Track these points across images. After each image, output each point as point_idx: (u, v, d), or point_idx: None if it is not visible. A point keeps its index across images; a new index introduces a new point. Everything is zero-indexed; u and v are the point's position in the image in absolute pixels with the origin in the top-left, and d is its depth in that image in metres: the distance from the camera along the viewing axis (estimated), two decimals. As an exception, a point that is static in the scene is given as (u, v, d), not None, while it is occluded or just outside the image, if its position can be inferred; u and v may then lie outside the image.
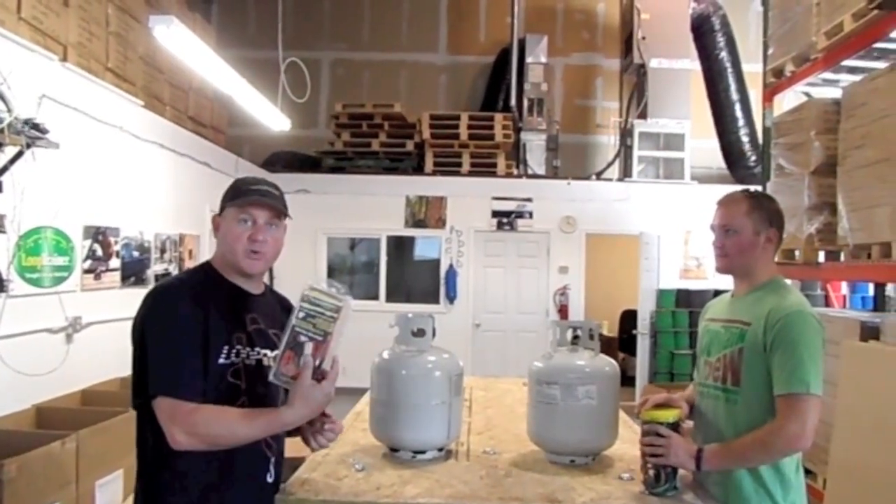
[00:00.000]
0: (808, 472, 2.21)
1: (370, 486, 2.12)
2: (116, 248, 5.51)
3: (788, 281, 2.34)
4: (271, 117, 6.60)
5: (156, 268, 6.15)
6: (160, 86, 6.88)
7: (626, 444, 2.49)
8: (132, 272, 5.75)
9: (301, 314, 1.84)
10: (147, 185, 6.14)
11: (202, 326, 1.86)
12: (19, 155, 3.89)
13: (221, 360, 1.88)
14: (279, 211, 2.02)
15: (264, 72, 7.01)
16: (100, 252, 5.27)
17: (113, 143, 5.53)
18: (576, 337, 2.53)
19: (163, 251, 6.35)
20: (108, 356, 5.02)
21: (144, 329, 1.86)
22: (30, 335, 4.47)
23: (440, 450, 2.45)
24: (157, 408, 1.80)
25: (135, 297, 1.88)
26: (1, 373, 4.12)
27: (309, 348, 1.82)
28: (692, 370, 8.10)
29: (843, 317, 4.19)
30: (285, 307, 2.13)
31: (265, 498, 1.96)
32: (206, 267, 2.06)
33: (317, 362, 1.81)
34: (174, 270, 6.49)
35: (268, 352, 1.98)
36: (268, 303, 2.10)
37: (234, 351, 1.90)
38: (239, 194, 1.99)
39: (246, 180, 2.05)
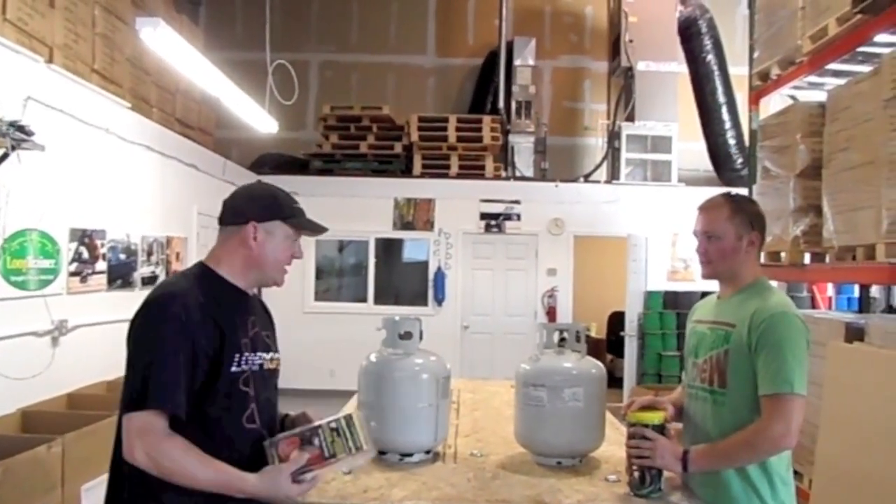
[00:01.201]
0: (794, 472, 2.22)
1: (357, 489, 2.13)
2: (103, 250, 5.47)
3: (773, 282, 2.35)
4: (259, 119, 6.58)
5: (143, 270, 6.11)
6: (147, 88, 6.85)
7: (613, 445, 2.51)
8: (119, 275, 5.71)
9: (333, 424, 1.85)
10: (134, 188, 6.10)
11: (216, 336, 1.79)
12: (4, 157, 3.86)
13: (234, 369, 1.82)
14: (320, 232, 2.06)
15: (252, 74, 7.00)
16: (86, 255, 5.23)
17: (99, 145, 5.49)
18: (562, 339, 2.55)
19: (150, 254, 6.31)
20: (95, 359, 5.00)
21: (147, 336, 1.75)
22: (15, 338, 4.43)
23: (427, 452, 2.46)
24: (129, 418, 1.70)
25: (122, 300, 1.83)
26: (-14, 376, 4.10)
27: (313, 453, 1.80)
28: (680, 372, 8.10)
29: (828, 318, 4.21)
30: (265, 307, 2.12)
31: None
32: (207, 270, 1.93)
33: (307, 469, 1.78)
34: (161, 273, 6.46)
35: (263, 354, 1.93)
36: (257, 304, 2.06)
37: (243, 358, 1.85)
38: (293, 213, 1.96)
39: (287, 196, 1.99)
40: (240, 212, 1.93)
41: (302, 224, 1.98)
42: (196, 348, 1.75)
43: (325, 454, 1.81)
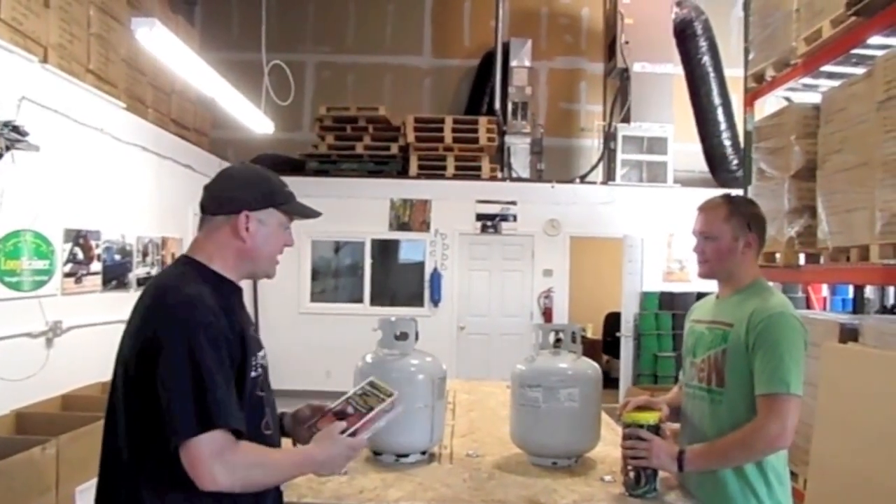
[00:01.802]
0: (790, 472, 2.22)
1: (353, 489, 2.13)
2: (98, 251, 5.47)
3: (771, 283, 2.36)
4: (255, 120, 6.58)
5: (138, 271, 6.11)
6: (143, 88, 6.84)
7: (609, 445, 2.51)
8: (114, 275, 5.71)
9: (359, 391, 1.92)
10: (129, 188, 6.10)
11: (239, 340, 1.66)
12: (-2, 158, 3.85)
13: (252, 374, 1.71)
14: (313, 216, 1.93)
15: (248, 74, 6.99)
16: (81, 255, 5.23)
17: (94, 145, 5.49)
18: (558, 340, 2.55)
19: (145, 254, 6.31)
20: (90, 360, 4.99)
21: (184, 350, 1.55)
22: (9, 340, 4.43)
23: (423, 453, 2.46)
24: (196, 445, 1.50)
25: (117, 301, 1.73)
26: (-20, 378, 4.09)
27: (352, 416, 1.84)
28: (676, 372, 8.13)
29: (822, 319, 4.22)
30: None
31: None
32: (201, 267, 1.75)
33: (349, 430, 1.79)
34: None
35: (262, 352, 1.81)
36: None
37: (256, 361, 1.74)
38: (286, 199, 1.82)
39: (279, 179, 1.85)
40: (230, 200, 1.76)
41: (296, 210, 1.84)
42: (231, 356, 1.62)
43: (363, 411, 1.84)
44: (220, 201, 1.76)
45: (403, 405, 1.94)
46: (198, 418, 1.50)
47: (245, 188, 1.77)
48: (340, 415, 1.85)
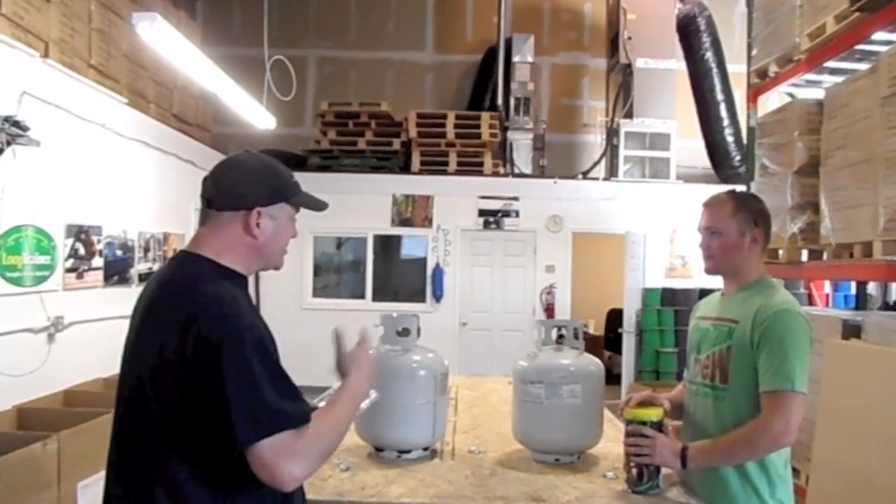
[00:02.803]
0: (792, 469, 2.22)
1: (355, 485, 2.12)
2: (99, 246, 5.47)
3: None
4: (256, 115, 6.56)
5: (139, 267, 6.11)
6: (144, 83, 6.83)
7: (611, 442, 2.51)
8: (115, 271, 5.71)
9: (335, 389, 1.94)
10: (130, 184, 6.09)
11: (271, 334, 1.62)
12: (-1, 153, 3.85)
13: None
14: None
15: (250, 70, 6.97)
16: (82, 251, 5.22)
17: (96, 140, 5.49)
18: (560, 336, 2.54)
19: (147, 250, 6.31)
20: (91, 356, 4.99)
21: (241, 352, 1.50)
22: (10, 335, 4.42)
23: (425, 449, 2.46)
24: (259, 450, 1.47)
25: (118, 297, 1.64)
26: (-20, 373, 4.09)
27: None
28: (678, 368, 8.09)
29: (825, 315, 4.22)
30: None
31: None
32: (214, 264, 1.67)
33: None
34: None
35: None
36: None
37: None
38: (295, 191, 1.76)
39: (287, 170, 1.78)
40: (242, 195, 1.67)
41: (305, 203, 1.78)
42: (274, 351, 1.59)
43: None
44: (230, 196, 1.68)
45: (379, 394, 1.97)
46: (256, 426, 1.47)
47: (256, 183, 1.69)
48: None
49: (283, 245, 1.77)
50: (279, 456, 1.48)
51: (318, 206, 1.81)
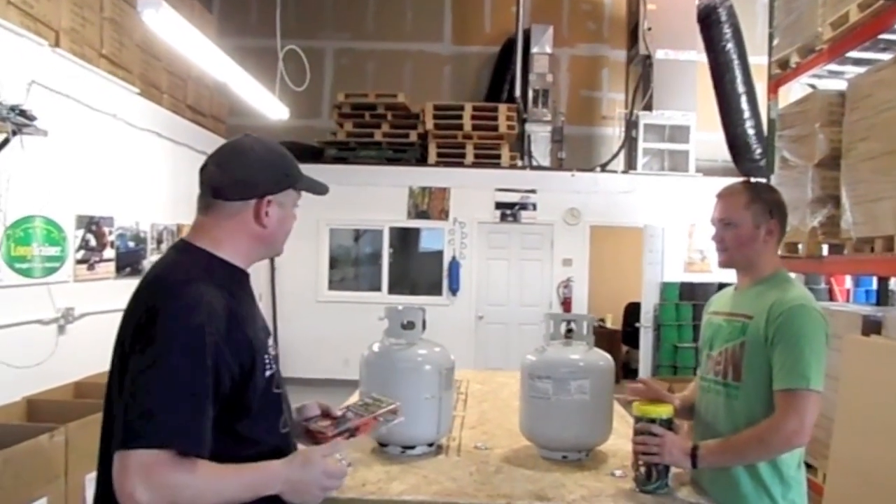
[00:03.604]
0: (808, 466, 2.15)
1: (355, 482, 2.07)
2: (111, 237, 5.47)
3: (793, 274, 2.27)
4: (270, 106, 6.53)
5: (152, 258, 6.11)
6: (157, 73, 6.80)
7: (621, 439, 2.44)
8: (127, 262, 5.71)
9: (360, 402, 1.94)
10: (143, 175, 6.08)
11: (246, 343, 1.52)
12: (5, 142, 3.82)
13: (267, 373, 1.57)
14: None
15: (266, 61, 6.93)
16: (93, 242, 5.22)
17: (107, 131, 5.47)
18: (570, 330, 2.48)
19: (159, 241, 6.30)
20: (103, 348, 4.95)
21: (160, 352, 1.40)
22: (20, 326, 4.42)
23: (430, 445, 2.40)
24: (126, 455, 1.35)
25: (130, 288, 1.55)
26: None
27: (352, 423, 1.78)
28: (696, 364, 8.00)
29: (844, 311, 4.13)
30: None
31: None
32: (210, 256, 1.59)
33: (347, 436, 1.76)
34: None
35: (270, 341, 1.66)
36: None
37: (268, 357, 1.59)
38: (299, 176, 1.69)
39: (291, 157, 1.71)
40: (253, 183, 1.60)
41: (309, 188, 1.71)
42: (220, 365, 1.45)
43: (363, 415, 1.81)
44: (240, 185, 1.60)
45: (405, 417, 1.90)
46: (141, 429, 1.35)
47: (265, 170, 1.62)
48: (339, 420, 1.78)
49: (288, 231, 1.69)
50: (137, 474, 1.34)
51: (321, 190, 1.74)
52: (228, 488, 1.44)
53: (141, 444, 1.34)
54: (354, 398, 2.56)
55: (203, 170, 1.64)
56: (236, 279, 1.62)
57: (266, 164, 1.63)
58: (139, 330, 1.44)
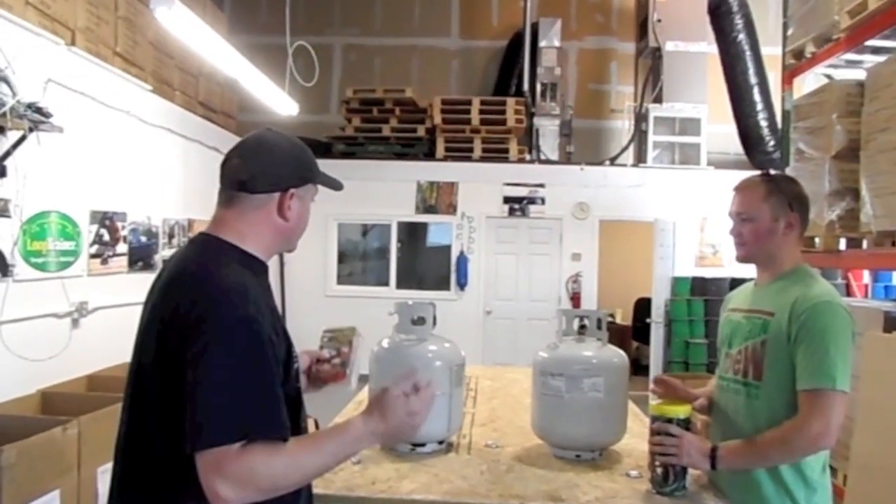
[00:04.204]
0: (830, 469, 2.09)
1: (365, 480, 2.05)
2: (124, 232, 5.50)
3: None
4: (279, 102, 6.51)
5: (164, 253, 6.13)
6: (170, 71, 6.82)
7: (636, 438, 2.40)
8: (140, 257, 5.73)
9: (324, 339, 2.03)
10: (155, 170, 6.10)
11: (284, 334, 1.55)
12: (22, 139, 3.83)
13: (295, 365, 1.62)
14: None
15: (276, 58, 6.88)
16: (107, 237, 5.25)
17: (121, 127, 5.51)
18: (583, 326, 2.44)
19: (171, 236, 6.31)
20: (116, 341, 4.96)
21: (224, 347, 1.39)
22: (35, 320, 4.45)
23: (440, 443, 2.37)
24: (206, 457, 1.35)
25: (143, 282, 1.54)
26: (5, 357, 4.10)
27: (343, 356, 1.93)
28: (707, 360, 7.89)
29: (865, 307, 4.07)
30: None
31: None
32: (232, 247, 1.58)
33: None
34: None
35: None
36: None
37: (294, 351, 1.62)
38: (317, 171, 1.70)
39: (311, 152, 1.72)
40: (279, 176, 1.61)
41: (328, 183, 1.73)
42: (276, 355, 1.47)
43: (343, 349, 2.00)
44: (266, 178, 1.60)
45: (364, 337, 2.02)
46: (213, 430, 1.35)
47: (291, 163, 1.64)
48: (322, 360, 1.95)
49: (305, 226, 1.69)
50: (211, 472, 1.34)
51: (337, 185, 1.77)
52: (310, 461, 1.45)
53: (219, 441, 1.34)
54: (364, 394, 2.54)
55: (226, 163, 1.65)
56: (263, 273, 1.64)
57: (290, 157, 1.65)
58: (190, 327, 1.41)
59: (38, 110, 3.98)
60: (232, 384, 1.38)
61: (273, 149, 1.64)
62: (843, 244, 4.29)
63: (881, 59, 4.11)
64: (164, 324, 1.47)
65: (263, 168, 1.60)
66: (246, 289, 1.47)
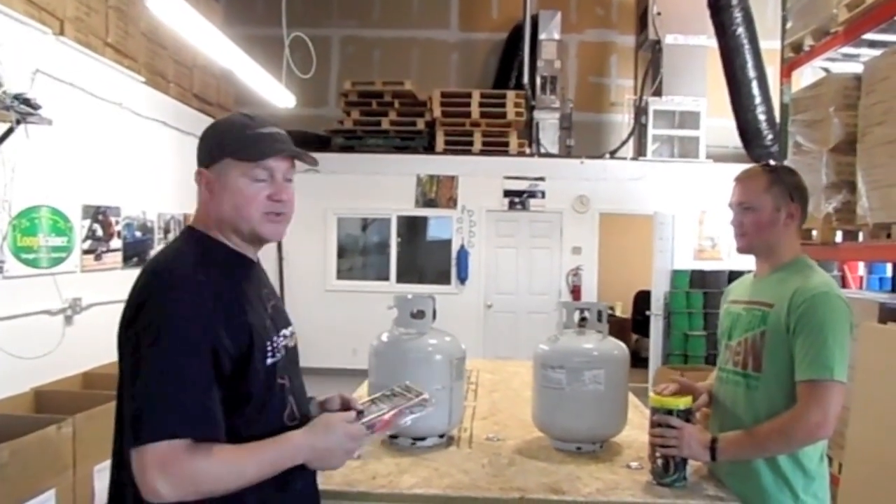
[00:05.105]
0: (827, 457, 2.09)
1: (366, 475, 2.04)
2: (118, 227, 5.44)
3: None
4: (275, 94, 6.48)
5: (159, 248, 6.05)
6: (163, 62, 6.76)
7: (636, 429, 2.40)
8: (134, 252, 5.69)
9: (389, 391, 1.80)
10: (149, 164, 6.06)
11: (244, 325, 1.47)
12: (10, 131, 3.78)
13: (269, 360, 1.52)
14: (299, 159, 1.61)
15: (273, 49, 6.86)
16: (100, 232, 5.20)
17: (113, 120, 5.44)
18: (583, 319, 2.43)
19: (167, 231, 6.28)
20: (110, 338, 4.93)
21: (153, 335, 1.38)
22: (27, 317, 4.40)
23: (441, 436, 2.36)
24: (142, 452, 1.34)
25: None
26: (-3, 355, 4.07)
27: (370, 419, 1.67)
28: (706, 352, 7.88)
29: (861, 298, 4.08)
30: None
31: None
32: (201, 235, 1.56)
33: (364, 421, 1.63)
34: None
35: (285, 331, 1.63)
36: (262, 268, 1.72)
37: (273, 344, 1.53)
38: (249, 143, 1.53)
39: (244, 122, 1.57)
40: (201, 154, 1.58)
41: (251, 155, 1.52)
42: (218, 347, 1.41)
43: (384, 406, 1.71)
44: (198, 157, 1.58)
45: (434, 407, 1.81)
46: (146, 427, 1.34)
47: (201, 143, 1.58)
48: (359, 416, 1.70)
49: (243, 206, 1.53)
50: (152, 468, 1.33)
51: (266, 151, 1.54)
52: (250, 468, 1.42)
53: (152, 438, 1.33)
54: (364, 389, 2.53)
55: None
56: (232, 261, 1.57)
57: (203, 138, 1.60)
58: (130, 322, 1.43)
59: (26, 102, 3.88)
60: (166, 382, 1.36)
61: (208, 128, 1.62)
62: (839, 236, 4.29)
63: (878, 52, 4.10)
64: (122, 315, 1.49)
65: (198, 148, 1.59)
66: (186, 281, 1.44)
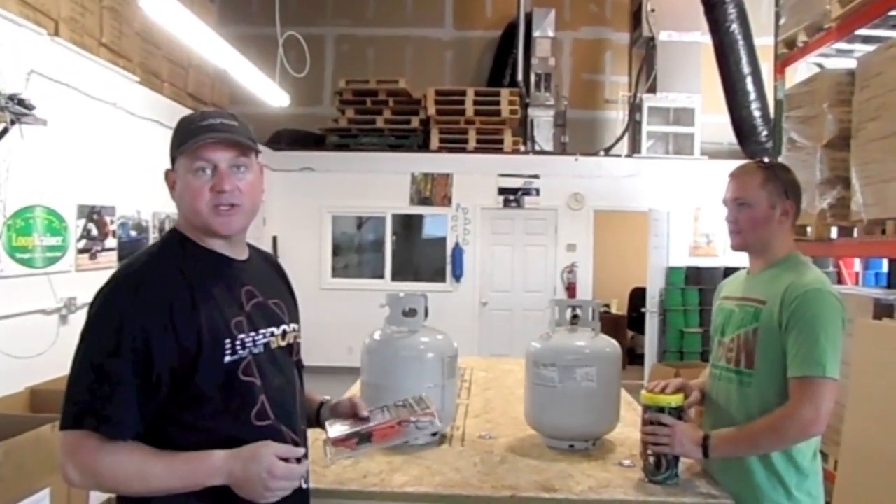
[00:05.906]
0: (821, 454, 2.09)
1: (357, 473, 2.04)
2: (112, 227, 5.42)
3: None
4: (269, 93, 6.47)
5: (153, 247, 6.09)
6: (158, 62, 6.74)
7: (629, 427, 2.40)
8: (129, 252, 5.66)
9: (401, 402, 1.77)
10: (144, 163, 6.02)
11: (192, 323, 1.45)
12: (4, 132, 3.77)
13: (227, 359, 1.49)
14: (244, 146, 1.57)
15: (267, 49, 6.85)
16: (95, 231, 5.18)
17: (108, 120, 5.42)
18: (575, 316, 2.43)
19: (161, 230, 6.26)
20: (106, 337, 4.96)
21: (89, 331, 1.46)
22: (22, 317, 4.39)
23: (433, 434, 2.36)
24: (63, 436, 1.43)
25: None
26: (-8, 355, 4.06)
27: (367, 427, 1.66)
28: (702, 349, 7.89)
29: (855, 294, 4.08)
30: (277, 267, 1.87)
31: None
32: (178, 235, 1.58)
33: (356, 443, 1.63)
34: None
35: (274, 329, 1.60)
36: (258, 267, 1.71)
37: (238, 342, 1.50)
38: (188, 137, 1.52)
39: (193, 117, 1.58)
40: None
41: (189, 147, 1.52)
42: (152, 348, 1.42)
43: (389, 418, 1.68)
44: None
45: (438, 428, 1.79)
46: (73, 411, 1.42)
47: (172, 140, 1.59)
48: (359, 421, 1.70)
49: (191, 201, 1.53)
50: (64, 454, 1.43)
51: (198, 132, 1.53)
52: (155, 475, 1.42)
53: (65, 426, 1.42)
54: (357, 388, 2.53)
55: None
56: (202, 259, 1.56)
57: (172, 134, 1.60)
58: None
59: (21, 102, 3.88)
60: (82, 373, 1.44)
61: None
62: (834, 232, 4.30)
63: (871, 48, 4.11)
64: None
65: None
66: (129, 280, 1.48)
